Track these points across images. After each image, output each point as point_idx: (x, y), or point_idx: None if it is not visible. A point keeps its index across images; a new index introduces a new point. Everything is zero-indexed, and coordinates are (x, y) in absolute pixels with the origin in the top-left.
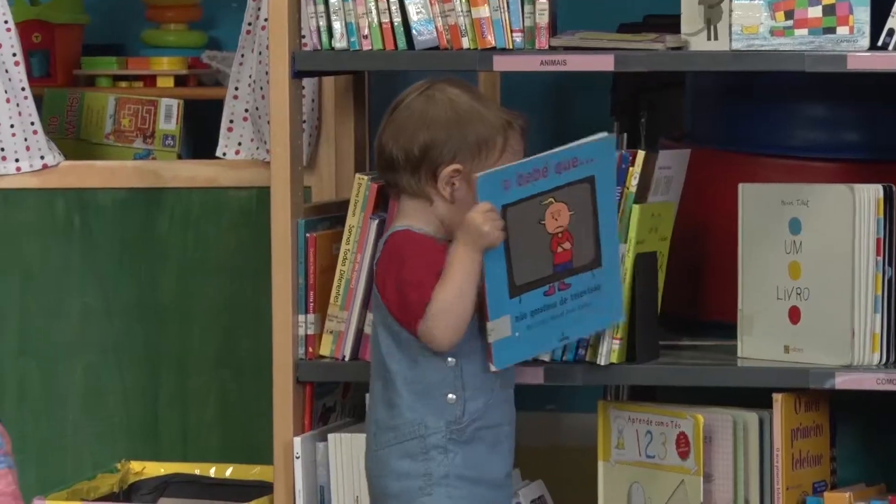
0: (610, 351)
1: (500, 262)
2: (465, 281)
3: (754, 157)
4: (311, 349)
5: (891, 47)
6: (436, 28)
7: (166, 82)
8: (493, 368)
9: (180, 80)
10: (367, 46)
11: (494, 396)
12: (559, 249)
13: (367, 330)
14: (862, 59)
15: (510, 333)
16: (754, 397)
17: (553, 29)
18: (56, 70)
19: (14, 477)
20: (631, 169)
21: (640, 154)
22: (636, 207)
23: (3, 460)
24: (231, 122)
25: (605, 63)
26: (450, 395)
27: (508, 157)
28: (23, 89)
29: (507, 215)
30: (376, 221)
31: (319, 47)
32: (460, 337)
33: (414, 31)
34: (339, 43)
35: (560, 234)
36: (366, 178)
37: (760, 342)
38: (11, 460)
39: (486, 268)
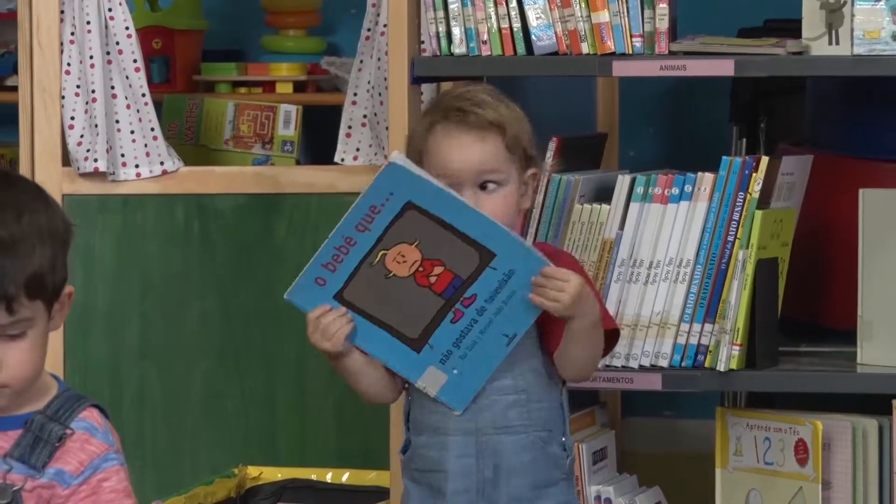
0: (729, 357)
1: (377, 337)
2: (344, 375)
3: (875, 163)
4: None
5: None
6: (555, 33)
7: (285, 88)
8: (457, 413)
9: (299, 86)
10: (486, 52)
11: (437, 440)
12: (431, 280)
13: None
14: None
15: (446, 377)
16: (874, 404)
17: (673, 34)
18: (176, 76)
19: (125, 474)
20: (754, 175)
21: (764, 160)
22: (759, 213)
23: (115, 458)
24: (349, 127)
25: (725, 68)
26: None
27: (433, 158)
28: (143, 95)
29: (345, 300)
30: None
31: (439, 53)
32: (385, 396)
33: (533, 37)
34: (459, 48)
35: (420, 270)
36: None
37: (880, 348)
38: (122, 458)
39: (370, 352)
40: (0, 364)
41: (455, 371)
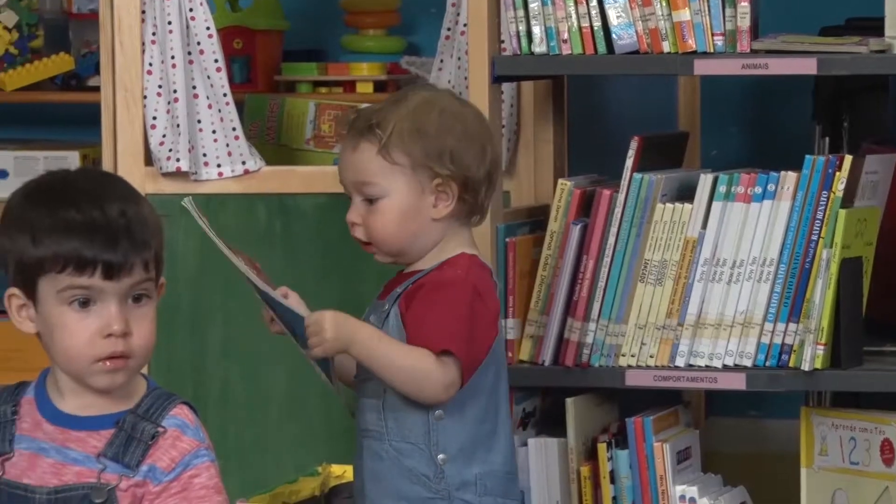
0: (813, 356)
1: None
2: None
3: None
4: (510, 354)
5: None
6: (636, 32)
7: (366, 88)
8: None
9: (379, 86)
10: (566, 51)
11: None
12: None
13: (567, 335)
14: None
15: None
16: None
17: (754, 32)
18: (257, 76)
19: (216, 471)
20: (838, 174)
21: (848, 159)
22: (842, 212)
23: (205, 454)
24: None
25: (807, 66)
26: None
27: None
28: (224, 95)
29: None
30: (578, 227)
31: (519, 52)
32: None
33: (614, 35)
34: (539, 47)
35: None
36: (569, 183)
37: None
38: (213, 454)
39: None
40: (129, 330)
41: None
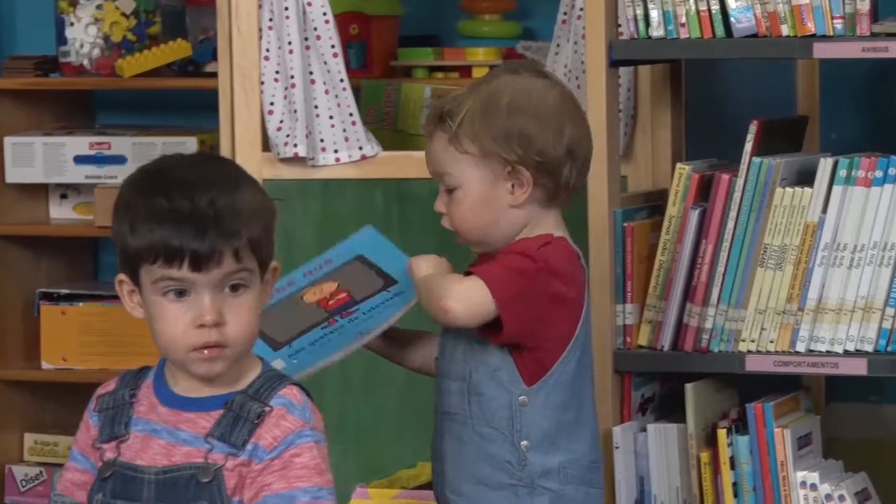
0: None
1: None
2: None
3: None
4: (629, 339)
5: None
6: (754, 15)
7: (481, 72)
8: None
9: None
10: (684, 34)
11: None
12: (331, 301)
13: (687, 320)
14: None
15: (284, 364)
16: None
17: (874, 15)
18: (373, 61)
19: (319, 451)
20: None
21: None
22: None
23: (309, 434)
24: None
25: None
26: None
27: None
28: (341, 81)
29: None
30: (697, 211)
31: (636, 36)
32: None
33: (732, 19)
34: (657, 31)
35: (329, 295)
36: (687, 167)
37: None
38: (320, 436)
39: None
40: (223, 320)
41: (294, 361)
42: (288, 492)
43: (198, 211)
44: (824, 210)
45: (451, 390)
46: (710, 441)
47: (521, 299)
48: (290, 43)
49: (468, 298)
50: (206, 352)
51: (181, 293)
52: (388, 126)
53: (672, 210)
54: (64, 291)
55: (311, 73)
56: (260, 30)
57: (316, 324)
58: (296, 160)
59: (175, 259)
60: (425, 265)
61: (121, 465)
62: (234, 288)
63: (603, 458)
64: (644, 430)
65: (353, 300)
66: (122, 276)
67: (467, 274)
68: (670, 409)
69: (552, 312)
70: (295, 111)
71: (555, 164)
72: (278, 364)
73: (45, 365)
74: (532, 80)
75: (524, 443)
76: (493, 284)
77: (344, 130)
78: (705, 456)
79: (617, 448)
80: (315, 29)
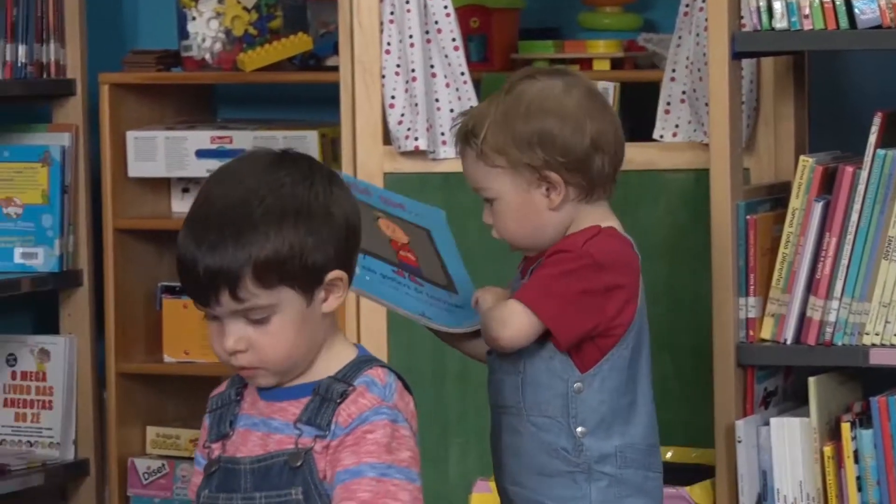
0: None
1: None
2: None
3: None
4: (751, 332)
5: None
6: (878, 6)
7: (602, 65)
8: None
9: (616, 63)
10: (807, 26)
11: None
12: (401, 252)
13: (810, 313)
14: None
15: (358, 272)
16: None
17: None
18: (493, 54)
19: (394, 430)
20: None
21: None
22: None
23: (386, 412)
24: (668, 104)
25: None
26: None
27: None
28: (462, 74)
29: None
30: (821, 204)
31: (759, 28)
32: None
33: (856, 10)
34: (780, 23)
35: (400, 244)
36: (810, 160)
37: None
38: (399, 415)
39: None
40: (248, 347)
41: (367, 278)
42: (356, 467)
43: (195, 259)
44: None
45: (506, 383)
46: (834, 435)
47: (567, 305)
48: (411, 36)
49: (513, 324)
50: (242, 371)
51: (215, 317)
52: None
53: (795, 202)
54: None
55: (431, 66)
56: (381, 23)
57: (388, 259)
58: (416, 153)
59: (188, 294)
60: (491, 298)
61: (224, 460)
62: (255, 320)
63: (657, 442)
64: (767, 423)
65: (420, 272)
66: None
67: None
68: (793, 403)
69: (605, 303)
70: (416, 104)
71: (582, 160)
72: None
73: (167, 358)
74: (550, 82)
75: (580, 429)
76: (533, 304)
77: None
78: (829, 450)
79: (740, 442)
80: (436, 22)
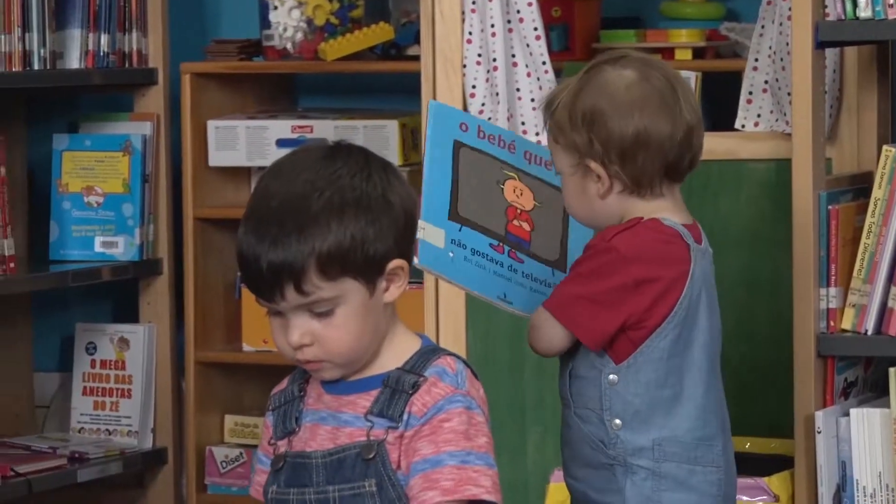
0: None
1: (444, 178)
2: None
3: None
4: (832, 323)
5: None
6: None
7: (684, 55)
8: (414, 261)
9: (698, 53)
10: (892, 15)
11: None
12: (515, 222)
13: (891, 304)
14: None
15: (442, 247)
16: None
17: None
18: (575, 44)
19: (470, 417)
20: None
21: None
22: None
23: (461, 400)
24: (750, 93)
25: None
26: None
27: None
28: (543, 63)
29: (460, 153)
30: None
31: (843, 17)
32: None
33: None
34: (864, 12)
35: (519, 211)
36: (893, 150)
37: None
38: (473, 402)
39: (427, 172)
40: (313, 340)
41: (451, 255)
42: (435, 456)
43: (258, 255)
44: None
45: (562, 376)
46: None
47: (593, 305)
48: (492, 26)
49: (544, 334)
50: (307, 364)
51: (277, 312)
52: None
53: (878, 193)
54: None
55: (513, 55)
56: (462, 13)
57: (490, 231)
58: None
59: (250, 290)
60: None
61: (291, 454)
62: (320, 313)
63: (724, 433)
64: (847, 414)
65: (528, 246)
66: None
67: None
68: (874, 394)
69: (636, 297)
70: (497, 94)
71: (623, 152)
72: (437, 234)
73: (245, 347)
74: (625, 70)
75: (616, 421)
76: (557, 311)
77: None
78: None
79: (819, 433)
80: (518, 11)
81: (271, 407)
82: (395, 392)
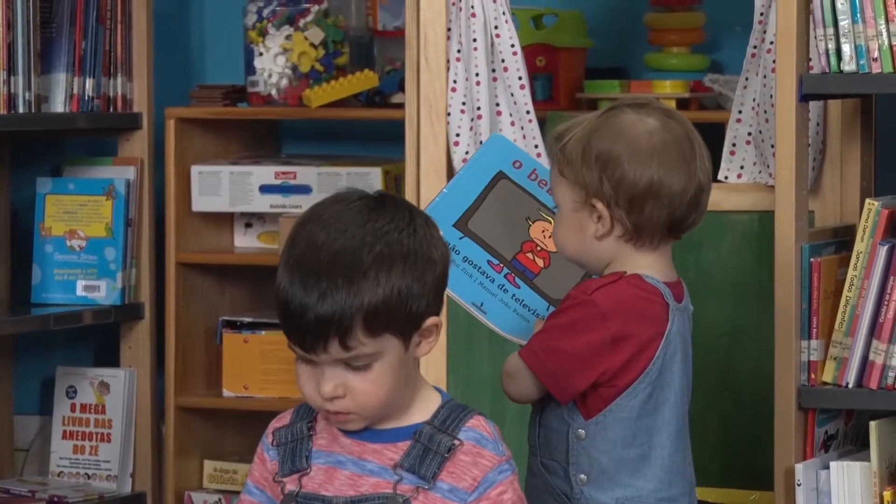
0: None
1: (468, 195)
2: None
3: None
4: (813, 375)
5: None
6: None
7: (668, 104)
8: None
9: (682, 104)
10: (876, 69)
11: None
12: (529, 255)
13: (872, 357)
14: None
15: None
16: None
17: None
18: (559, 93)
19: (517, 483)
20: None
21: None
22: None
23: (508, 468)
24: (734, 145)
25: None
26: None
27: None
28: (527, 112)
29: (499, 182)
30: (886, 247)
31: (828, 70)
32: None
33: None
34: (848, 66)
35: (539, 249)
36: (876, 203)
37: None
38: (514, 465)
39: (452, 185)
40: (346, 392)
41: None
42: None
43: (305, 308)
44: None
45: (532, 423)
46: (894, 479)
47: (567, 360)
48: (477, 74)
49: (517, 382)
50: (333, 416)
51: (309, 361)
52: None
53: (860, 246)
54: (247, 320)
55: (497, 104)
56: (448, 61)
57: (496, 253)
58: None
59: (290, 340)
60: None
61: (304, 496)
62: (357, 367)
63: (689, 494)
64: (827, 467)
65: (532, 277)
66: None
67: None
68: (854, 447)
69: (611, 354)
70: (481, 142)
71: (633, 199)
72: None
73: (226, 393)
74: (647, 118)
75: (581, 476)
76: (532, 361)
77: None
78: (889, 494)
79: (799, 485)
80: (503, 61)
81: (275, 442)
82: (428, 451)
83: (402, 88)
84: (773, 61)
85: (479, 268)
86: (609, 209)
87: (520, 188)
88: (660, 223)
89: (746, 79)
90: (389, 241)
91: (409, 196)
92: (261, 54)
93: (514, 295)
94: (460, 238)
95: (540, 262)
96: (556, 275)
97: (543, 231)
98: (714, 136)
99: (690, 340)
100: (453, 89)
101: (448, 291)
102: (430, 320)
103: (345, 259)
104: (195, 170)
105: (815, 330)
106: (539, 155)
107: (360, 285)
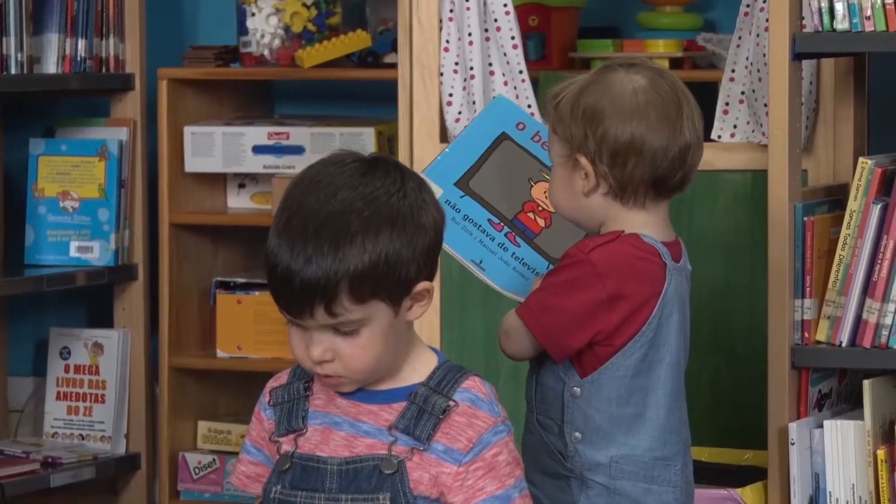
0: None
1: (470, 155)
2: None
3: None
4: (807, 334)
5: None
6: None
7: (661, 64)
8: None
9: (675, 63)
10: (869, 27)
11: None
12: (530, 214)
13: (866, 316)
14: None
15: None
16: None
17: None
18: (552, 53)
19: (512, 444)
20: None
21: None
22: None
23: (503, 429)
24: (727, 104)
25: None
26: None
27: None
28: (520, 72)
29: (502, 143)
30: (879, 206)
31: (820, 29)
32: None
33: None
34: (841, 24)
35: (540, 209)
36: (869, 162)
37: None
38: (510, 425)
39: (454, 145)
40: (334, 357)
41: (450, 215)
42: (503, 492)
43: (293, 273)
44: None
45: (528, 380)
46: (888, 438)
47: (564, 317)
48: (469, 34)
49: (513, 339)
50: (324, 379)
51: (298, 324)
52: None
53: (853, 205)
54: (240, 280)
55: (490, 64)
56: (440, 21)
57: (496, 212)
58: None
59: (278, 304)
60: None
61: (300, 456)
62: (345, 332)
63: (684, 454)
64: (820, 426)
65: (532, 237)
66: None
67: None
68: (848, 406)
69: (607, 313)
70: (474, 102)
71: (615, 154)
72: (433, 189)
73: (220, 353)
74: (637, 75)
75: (576, 434)
76: (528, 319)
77: None
78: (882, 453)
79: (793, 444)
80: (495, 20)
81: (272, 402)
82: (423, 412)
83: (394, 48)
84: (766, 20)
85: (480, 226)
86: (594, 165)
87: (522, 149)
88: (643, 180)
89: (739, 38)
90: (378, 205)
91: (402, 156)
92: (253, 14)
93: (513, 253)
94: (461, 196)
95: (541, 222)
96: (558, 235)
97: (545, 192)
98: (707, 95)
99: (688, 300)
100: (446, 49)
101: (447, 248)
102: (422, 285)
103: (333, 224)
104: (188, 130)
105: (808, 289)
106: (532, 114)
107: (346, 251)
